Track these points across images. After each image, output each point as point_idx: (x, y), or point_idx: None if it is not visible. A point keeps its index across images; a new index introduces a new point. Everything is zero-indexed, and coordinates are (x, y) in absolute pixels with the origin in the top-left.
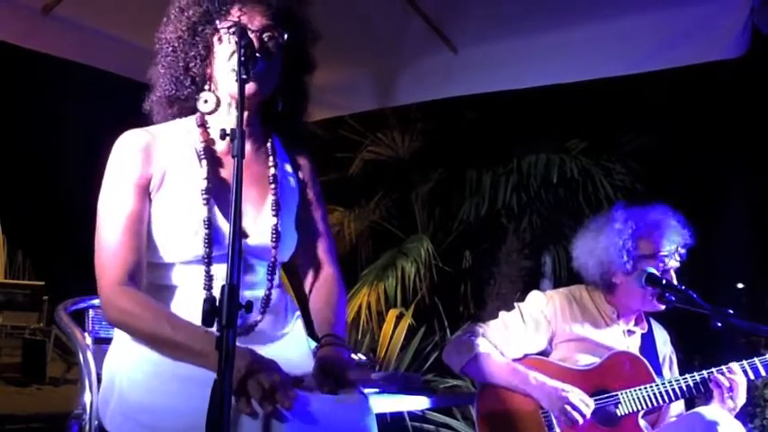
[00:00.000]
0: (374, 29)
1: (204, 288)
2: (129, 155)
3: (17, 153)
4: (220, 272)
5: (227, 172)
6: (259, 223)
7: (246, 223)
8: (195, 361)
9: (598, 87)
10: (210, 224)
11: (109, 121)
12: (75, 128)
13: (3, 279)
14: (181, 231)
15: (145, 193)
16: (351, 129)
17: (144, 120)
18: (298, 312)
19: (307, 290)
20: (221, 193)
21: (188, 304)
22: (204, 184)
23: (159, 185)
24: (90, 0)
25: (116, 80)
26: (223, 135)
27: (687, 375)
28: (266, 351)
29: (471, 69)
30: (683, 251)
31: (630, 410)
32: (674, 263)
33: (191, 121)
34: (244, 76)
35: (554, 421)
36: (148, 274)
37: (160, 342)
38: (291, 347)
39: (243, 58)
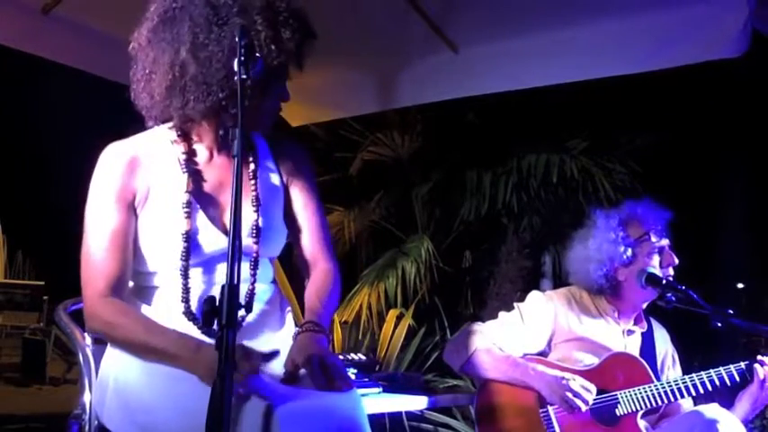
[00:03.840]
0: (375, 29)
1: (181, 300)
2: (113, 170)
3: (17, 154)
4: (197, 279)
5: (209, 182)
6: (243, 221)
7: (227, 223)
8: (170, 363)
9: (598, 87)
10: (189, 237)
11: (109, 123)
12: (75, 129)
13: (3, 279)
14: (161, 244)
15: (129, 206)
16: (351, 129)
17: (141, 123)
18: (289, 308)
19: (305, 284)
20: (203, 204)
21: (167, 308)
22: (186, 197)
23: (144, 199)
24: (90, 1)
25: (114, 83)
26: (223, 135)
27: (686, 377)
28: (256, 345)
29: (472, 70)
30: (661, 228)
31: (629, 410)
32: (664, 241)
33: (172, 131)
34: (243, 76)
35: (553, 419)
36: (134, 277)
37: (136, 347)
38: (283, 343)
39: (243, 58)
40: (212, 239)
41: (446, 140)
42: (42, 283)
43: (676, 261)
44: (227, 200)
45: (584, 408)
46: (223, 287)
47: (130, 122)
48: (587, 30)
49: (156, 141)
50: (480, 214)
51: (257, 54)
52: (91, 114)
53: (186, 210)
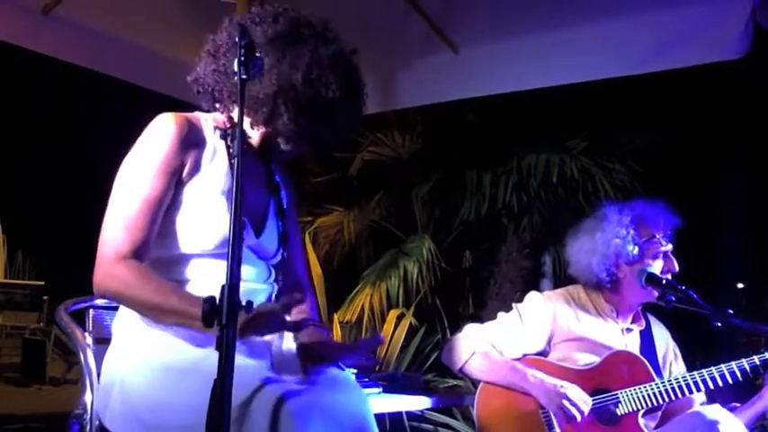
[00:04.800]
0: (375, 29)
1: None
2: (168, 136)
3: (17, 153)
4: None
5: (251, 180)
6: (269, 227)
7: (257, 223)
8: (187, 324)
9: (598, 87)
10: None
11: (111, 123)
12: (76, 129)
13: (3, 279)
14: (210, 223)
15: (173, 178)
16: None
17: (142, 120)
18: None
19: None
20: (246, 200)
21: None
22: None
23: (192, 174)
24: (90, 1)
25: (115, 81)
26: (223, 135)
27: (687, 374)
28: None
29: (472, 70)
30: (669, 233)
31: (630, 410)
32: (669, 246)
33: (220, 121)
34: (244, 77)
35: (554, 421)
36: (159, 269)
37: (151, 308)
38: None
39: (243, 58)
40: (250, 236)
41: (446, 140)
42: (42, 283)
43: (676, 268)
44: (252, 202)
45: (579, 418)
46: (223, 287)
47: (133, 122)
48: (588, 31)
49: (208, 124)
50: (480, 214)
51: (321, 93)
52: (92, 114)
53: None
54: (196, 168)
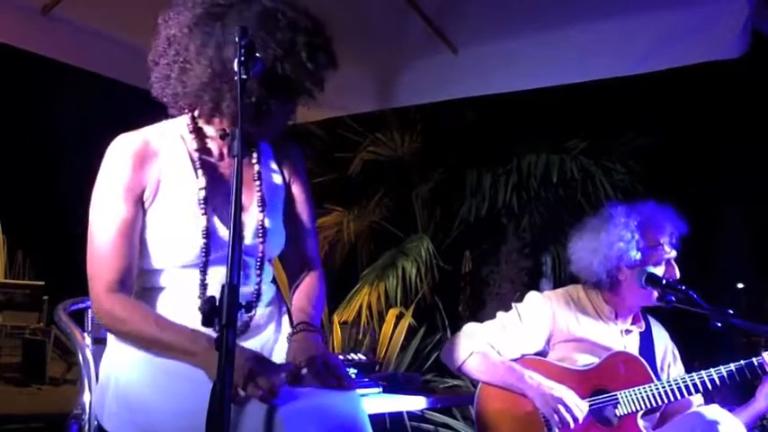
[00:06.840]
0: (374, 29)
1: (199, 296)
2: (123, 161)
3: (17, 153)
4: (215, 276)
5: (221, 178)
6: (247, 221)
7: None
8: (184, 359)
9: (598, 87)
10: (209, 233)
11: (107, 122)
12: (75, 128)
13: (3, 279)
14: (177, 239)
15: (138, 199)
16: (350, 129)
17: (141, 122)
18: (284, 309)
19: (290, 285)
20: (217, 200)
21: (176, 306)
22: (202, 194)
23: (155, 194)
24: (89, 1)
25: (114, 82)
26: (223, 135)
27: (686, 375)
28: (261, 346)
29: (471, 70)
30: (675, 241)
31: (629, 411)
32: (673, 252)
33: (182, 126)
34: (243, 76)
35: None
36: (138, 278)
37: (148, 342)
38: (282, 344)
39: (243, 58)
40: (225, 239)
41: (446, 140)
42: (42, 283)
43: (677, 275)
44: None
45: (572, 424)
46: (223, 287)
47: (132, 121)
48: (587, 30)
49: (166, 134)
50: (480, 214)
51: (258, 54)
52: (92, 113)
53: (203, 206)
54: (158, 186)
